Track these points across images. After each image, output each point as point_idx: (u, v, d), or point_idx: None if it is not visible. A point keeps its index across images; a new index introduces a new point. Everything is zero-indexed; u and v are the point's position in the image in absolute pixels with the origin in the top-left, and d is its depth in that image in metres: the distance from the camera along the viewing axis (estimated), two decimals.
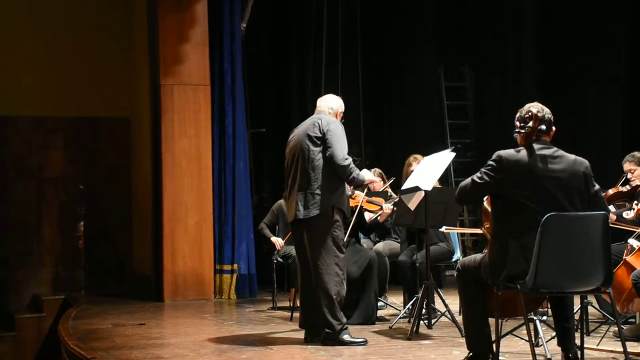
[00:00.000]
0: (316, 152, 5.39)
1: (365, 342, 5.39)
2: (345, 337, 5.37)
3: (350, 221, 6.04)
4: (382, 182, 7.28)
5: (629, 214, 5.34)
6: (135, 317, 7.02)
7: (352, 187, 6.01)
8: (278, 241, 7.35)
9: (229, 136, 8.52)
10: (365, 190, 6.32)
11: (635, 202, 5.35)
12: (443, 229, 6.43)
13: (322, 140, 5.39)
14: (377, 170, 7.30)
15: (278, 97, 10.19)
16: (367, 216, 6.70)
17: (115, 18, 9.59)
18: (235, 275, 8.47)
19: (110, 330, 6.37)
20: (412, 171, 6.41)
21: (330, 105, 5.62)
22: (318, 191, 5.36)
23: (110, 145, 9.71)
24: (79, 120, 9.64)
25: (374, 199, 6.62)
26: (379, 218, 6.65)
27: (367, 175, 5.67)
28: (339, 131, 5.41)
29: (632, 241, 5.25)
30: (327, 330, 5.36)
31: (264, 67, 10.09)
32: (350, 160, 5.38)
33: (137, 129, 9.44)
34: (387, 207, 6.52)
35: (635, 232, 5.36)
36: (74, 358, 5.46)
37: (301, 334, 5.60)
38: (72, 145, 9.64)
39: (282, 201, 7.56)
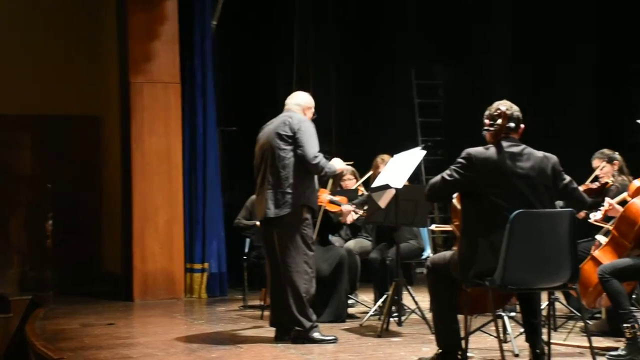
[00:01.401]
0: (287, 150, 5.39)
1: (335, 340, 5.40)
2: (316, 335, 5.37)
3: (316, 220, 6.03)
4: (354, 180, 7.27)
5: (596, 215, 5.40)
6: (104, 317, 6.96)
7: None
8: None
9: (199, 134, 8.48)
10: (330, 184, 6.28)
11: (603, 203, 5.39)
12: (433, 227, 6.44)
13: (293, 139, 5.38)
14: (350, 168, 7.30)
15: (249, 95, 10.15)
16: (349, 218, 6.65)
17: (84, 15, 9.49)
18: (205, 274, 8.43)
19: (79, 330, 6.31)
20: (379, 172, 6.42)
21: (297, 102, 5.62)
22: (288, 190, 5.36)
23: (80, 144, 9.62)
24: (47, 118, 9.54)
25: (336, 198, 6.61)
26: (340, 219, 6.61)
27: (338, 164, 5.65)
28: (309, 130, 5.41)
29: (599, 237, 5.30)
30: (297, 328, 5.35)
31: (235, 65, 10.05)
32: (320, 156, 5.39)
33: (107, 127, 9.36)
34: (346, 208, 6.50)
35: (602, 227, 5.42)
36: (42, 359, 5.40)
37: (272, 333, 5.58)
38: (41, 144, 9.54)
39: (254, 197, 7.50)
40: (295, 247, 5.35)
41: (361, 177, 7.23)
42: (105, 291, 8.71)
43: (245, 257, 7.47)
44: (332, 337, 5.42)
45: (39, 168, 9.49)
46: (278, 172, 5.39)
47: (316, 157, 5.36)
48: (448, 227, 7.06)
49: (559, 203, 4.71)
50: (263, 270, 7.60)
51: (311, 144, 5.37)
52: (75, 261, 9.38)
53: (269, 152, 5.45)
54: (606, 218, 5.67)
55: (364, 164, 7.51)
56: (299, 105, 5.61)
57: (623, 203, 5.13)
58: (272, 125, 5.54)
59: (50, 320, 6.88)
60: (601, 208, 5.27)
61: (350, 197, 6.83)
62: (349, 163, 6.44)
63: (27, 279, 9.30)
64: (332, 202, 6.49)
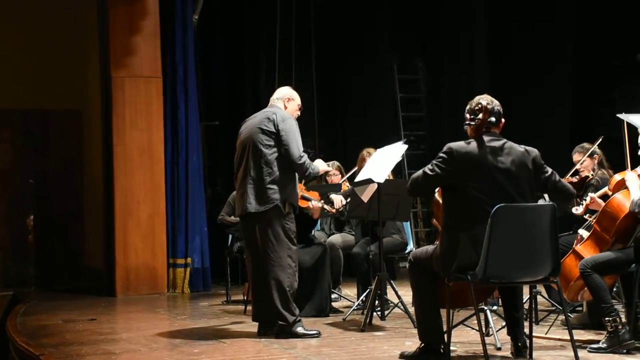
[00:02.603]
0: (270, 146, 5.37)
1: (318, 335, 5.40)
2: (299, 329, 5.37)
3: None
4: (340, 175, 7.27)
5: (577, 209, 5.42)
6: (86, 313, 6.93)
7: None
8: None
9: (181, 129, 8.45)
10: (303, 182, 6.27)
11: (584, 196, 5.42)
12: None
13: (277, 137, 5.36)
14: (336, 163, 7.30)
15: (231, 89, 10.12)
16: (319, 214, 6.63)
17: (65, 9, 9.42)
18: (188, 269, 8.41)
19: (61, 326, 6.28)
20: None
21: (277, 96, 5.61)
22: (270, 185, 5.35)
23: (61, 138, 9.57)
24: (28, 113, 9.47)
25: (308, 194, 6.59)
26: (311, 214, 6.56)
27: (322, 165, 5.72)
28: (293, 128, 5.41)
29: (582, 231, 5.32)
30: (280, 323, 5.35)
31: (217, 60, 10.01)
32: (305, 157, 5.41)
33: (88, 122, 9.31)
34: (315, 204, 6.43)
35: (585, 221, 5.44)
36: (23, 355, 5.37)
37: (255, 327, 5.57)
38: (22, 139, 9.47)
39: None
40: (279, 241, 5.35)
41: (345, 171, 7.23)
42: (87, 287, 8.67)
43: (228, 252, 7.47)
44: (315, 332, 5.42)
45: (19, 163, 9.42)
46: (260, 167, 5.38)
47: (301, 157, 5.38)
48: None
49: (545, 197, 4.74)
50: (243, 265, 7.64)
51: (296, 144, 5.38)
52: (57, 256, 9.33)
53: (250, 147, 5.43)
54: (588, 212, 5.72)
55: (346, 159, 7.53)
56: (280, 99, 5.60)
57: (604, 197, 5.16)
58: (255, 120, 5.53)
59: (32, 316, 6.83)
60: (583, 202, 5.30)
61: (335, 191, 6.82)
62: (329, 163, 6.45)
63: (9, 275, 9.24)
64: (303, 197, 6.47)
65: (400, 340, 5.26)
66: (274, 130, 5.37)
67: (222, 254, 7.78)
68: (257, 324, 5.56)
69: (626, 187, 4.89)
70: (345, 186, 7.10)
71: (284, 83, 6.19)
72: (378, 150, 6.32)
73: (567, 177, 5.96)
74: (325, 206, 6.56)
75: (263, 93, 9.54)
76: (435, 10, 10.66)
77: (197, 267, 8.46)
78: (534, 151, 4.41)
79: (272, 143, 5.37)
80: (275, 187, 5.35)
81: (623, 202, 4.84)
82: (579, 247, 5.05)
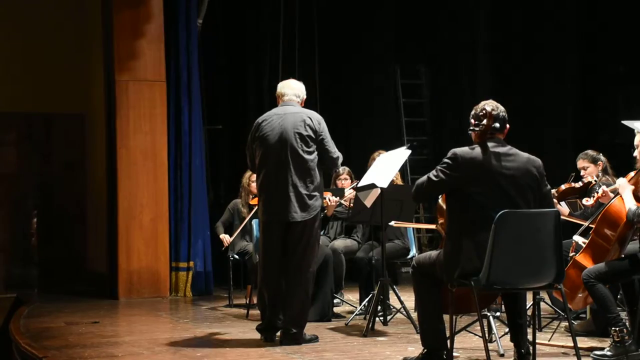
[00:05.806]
0: (310, 152, 5.35)
1: (316, 339, 5.39)
2: (303, 336, 5.36)
3: None
4: (349, 180, 7.28)
5: (588, 201, 5.38)
6: (89, 315, 6.93)
7: None
8: (225, 238, 7.42)
9: (185, 133, 8.47)
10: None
11: (593, 195, 5.39)
12: (392, 223, 6.42)
13: (316, 140, 5.36)
14: (347, 168, 7.31)
15: (235, 93, 10.15)
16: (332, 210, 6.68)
17: (69, 12, 9.44)
18: (191, 273, 8.42)
19: (63, 328, 6.29)
20: None
21: (296, 93, 5.56)
22: (314, 192, 5.35)
23: (65, 142, 9.57)
24: (32, 116, 9.48)
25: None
26: (325, 212, 6.58)
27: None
28: (326, 128, 5.45)
29: (576, 238, 5.28)
30: (294, 330, 5.27)
31: (221, 64, 10.04)
32: (340, 154, 5.52)
33: (92, 125, 9.32)
34: (332, 200, 6.47)
35: (581, 227, 5.42)
36: (26, 357, 5.38)
37: (256, 331, 5.55)
38: (25, 142, 9.48)
39: (237, 200, 7.58)
40: (314, 250, 5.39)
41: (354, 176, 7.24)
42: (90, 289, 8.67)
43: (231, 258, 7.48)
44: (313, 336, 5.40)
45: (23, 166, 9.43)
46: (304, 175, 5.31)
47: (339, 157, 5.47)
48: (411, 225, 7.04)
49: None
50: (245, 268, 7.67)
51: (333, 144, 5.45)
52: (60, 259, 9.33)
53: (289, 154, 5.30)
54: (586, 215, 5.71)
55: (350, 164, 7.53)
56: (299, 97, 5.56)
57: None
58: (286, 123, 5.35)
59: (35, 319, 6.84)
60: (594, 194, 5.25)
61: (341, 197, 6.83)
62: (341, 169, 6.74)
63: (12, 277, 9.25)
64: None
65: (403, 345, 5.26)
66: (313, 135, 5.35)
67: (224, 258, 7.78)
68: (257, 327, 5.52)
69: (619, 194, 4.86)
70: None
71: None
72: (382, 155, 6.33)
73: (569, 182, 5.97)
74: (342, 201, 6.59)
75: (266, 98, 9.55)
76: (438, 15, 10.68)
77: (199, 270, 8.47)
78: (538, 160, 4.41)
79: (312, 149, 5.36)
80: (317, 193, 5.37)
81: (621, 209, 4.81)
82: (578, 257, 5.01)
